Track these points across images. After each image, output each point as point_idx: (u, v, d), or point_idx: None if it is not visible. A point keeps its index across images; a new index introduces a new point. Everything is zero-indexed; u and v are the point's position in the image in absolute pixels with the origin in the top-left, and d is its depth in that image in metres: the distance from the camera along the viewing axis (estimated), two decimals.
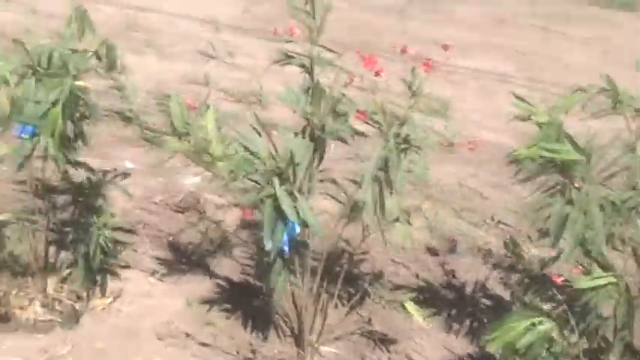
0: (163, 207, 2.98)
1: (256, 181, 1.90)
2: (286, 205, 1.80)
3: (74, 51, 2.07)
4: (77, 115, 2.04)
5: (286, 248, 2.03)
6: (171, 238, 2.81)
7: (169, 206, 2.99)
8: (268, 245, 1.84)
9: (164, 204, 2.99)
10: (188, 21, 5.26)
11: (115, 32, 4.93)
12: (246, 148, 1.85)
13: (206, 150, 1.96)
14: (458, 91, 4.70)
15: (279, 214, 1.83)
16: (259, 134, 1.87)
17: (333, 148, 2.31)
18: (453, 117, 4.13)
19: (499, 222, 3.07)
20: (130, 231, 2.81)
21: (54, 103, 1.89)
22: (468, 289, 2.66)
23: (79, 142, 2.13)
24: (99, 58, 2.42)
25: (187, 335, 2.36)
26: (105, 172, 3.11)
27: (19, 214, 2.36)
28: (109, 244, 2.38)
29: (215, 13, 5.26)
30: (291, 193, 1.84)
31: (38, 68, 1.91)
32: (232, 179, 1.88)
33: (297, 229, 1.95)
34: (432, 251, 2.88)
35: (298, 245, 2.06)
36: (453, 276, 2.73)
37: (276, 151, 1.91)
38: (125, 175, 3.07)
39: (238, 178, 1.88)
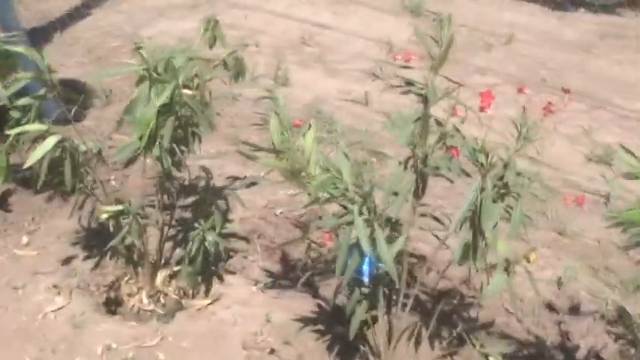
0: (283, 220, 3.00)
1: (344, 206, 1.86)
2: (361, 235, 1.73)
3: (191, 59, 2.13)
4: (181, 121, 2.09)
5: (366, 279, 1.95)
6: (282, 252, 2.82)
7: (289, 220, 3.00)
8: (338, 273, 1.77)
9: (284, 217, 3.01)
10: (362, 40, 5.30)
11: (289, 45, 5.10)
12: (330, 170, 1.80)
13: (301, 170, 1.94)
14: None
15: (356, 243, 1.76)
16: (346, 157, 1.81)
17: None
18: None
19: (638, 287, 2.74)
20: (244, 238, 2.88)
21: (160, 107, 1.96)
22: (579, 355, 2.41)
23: (186, 147, 2.18)
24: (227, 68, 2.50)
25: (272, 351, 2.35)
26: (235, 179, 3.21)
27: (139, 207, 2.48)
28: (212, 248, 2.44)
29: (391, 35, 5.24)
30: (370, 224, 1.76)
31: (152, 73, 1.99)
32: (316, 200, 1.84)
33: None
34: (552, 308, 2.64)
35: (383, 278, 1.97)
36: (568, 338, 2.48)
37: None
38: (252, 183, 3.14)
39: (322, 200, 1.83)
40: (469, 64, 4.81)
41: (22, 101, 2.07)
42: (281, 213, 3.03)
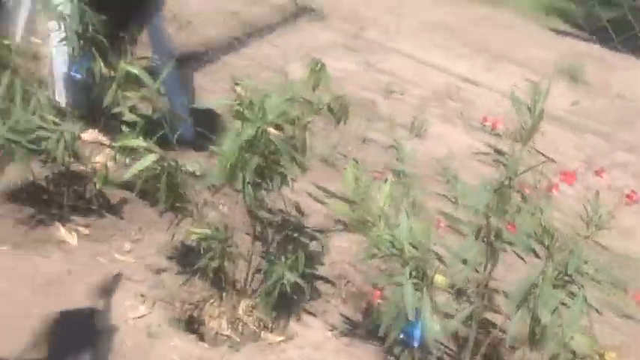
0: (374, 269, 2.97)
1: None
2: (407, 299, 1.68)
3: (289, 99, 2.19)
4: (267, 159, 2.15)
5: (415, 344, 1.89)
6: (367, 301, 2.79)
7: (378, 269, 2.97)
8: (381, 332, 1.73)
9: (376, 266, 2.99)
10: (509, 102, 5.18)
11: (433, 97, 5.08)
12: (391, 228, 1.78)
13: (368, 222, 1.93)
14: None
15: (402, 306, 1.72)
16: (407, 215, 1.77)
17: None
18: None
19: None
20: (330, 282, 2.88)
21: (245, 143, 2.03)
22: None
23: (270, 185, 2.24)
24: (331, 112, 2.54)
25: None
26: (337, 221, 3.23)
27: (231, 234, 2.56)
28: (289, 287, 2.47)
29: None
30: (419, 289, 1.71)
31: (244, 110, 2.07)
32: (372, 255, 1.82)
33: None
34: None
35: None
36: None
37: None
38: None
39: (379, 256, 1.81)
40: (617, 139, 4.55)
41: (128, 117, 2.23)
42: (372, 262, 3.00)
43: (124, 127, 2.31)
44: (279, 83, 2.34)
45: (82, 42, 2.30)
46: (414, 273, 1.72)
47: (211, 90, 4.56)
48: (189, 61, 4.93)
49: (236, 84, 2.17)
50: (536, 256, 1.80)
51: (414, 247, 1.74)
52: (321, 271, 2.85)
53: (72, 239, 2.82)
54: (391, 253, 1.75)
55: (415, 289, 1.70)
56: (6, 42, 2.42)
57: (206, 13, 6.17)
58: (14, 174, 2.76)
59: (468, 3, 7.87)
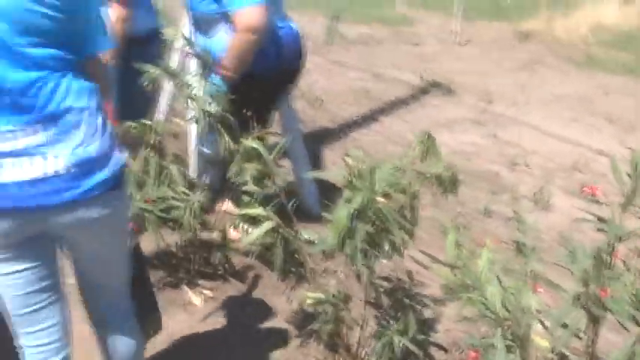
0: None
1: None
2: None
3: (397, 169, 2.32)
4: (377, 228, 2.27)
5: None
6: None
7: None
8: None
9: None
10: None
11: (559, 169, 5.03)
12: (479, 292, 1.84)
13: (469, 287, 2.00)
14: None
15: None
16: (499, 279, 1.83)
17: None
18: None
19: None
20: (443, 349, 2.92)
21: (354, 212, 2.18)
22: None
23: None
24: (440, 182, 2.64)
25: None
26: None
27: (345, 299, 2.69)
28: (398, 351, 2.54)
29: None
30: (513, 351, 1.76)
31: (354, 180, 2.23)
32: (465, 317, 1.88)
33: None
34: None
35: None
36: None
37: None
38: None
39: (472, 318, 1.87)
40: None
41: (249, 188, 2.45)
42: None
43: (245, 197, 2.53)
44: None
45: (210, 120, 2.57)
46: (507, 335, 1.76)
47: (337, 163, 4.79)
48: (319, 138, 5.21)
49: (347, 155, 2.33)
50: (638, 324, 1.79)
51: (507, 309, 1.79)
52: (435, 337, 2.89)
53: (198, 301, 3.07)
54: (484, 315, 1.80)
55: (508, 351, 1.74)
56: (147, 122, 2.74)
57: (335, 90, 6.51)
58: (146, 240, 3.06)
59: (598, 73, 7.76)
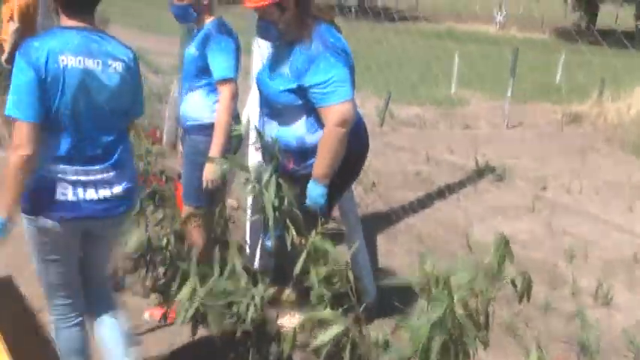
0: None
1: None
2: None
3: (474, 278, 2.29)
4: (452, 337, 2.23)
5: None
6: None
7: None
8: None
9: None
10: None
11: (620, 262, 4.91)
12: None
13: None
14: None
15: None
16: None
17: None
18: None
19: None
20: None
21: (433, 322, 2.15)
22: None
23: None
24: (515, 287, 2.59)
25: None
26: None
27: None
28: None
29: None
30: None
31: (431, 289, 2.21)
32: None
33: None
34: None
35: None
36: None
37: None
38: None
39: None
40: None
41: (317, 291, 2.45)
42: None
43: (312, 298, 2.53)
44: (464, 257, 2.45)
45: (276, 214, 2.60)
46: None
47: (395, 253, 4.76)
48: (374, 223, 5.20)
49: (421, 255, 2.31)
50: None
51: None
52: None
53: None
54: None
55: None
56: (211, 211, 2.79)
57: (389, 174, 6.53)
58: (207, 332, 3.04)
59: None
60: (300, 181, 2.94)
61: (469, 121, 9.91)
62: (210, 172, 3.13)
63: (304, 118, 2.96)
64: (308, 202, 2.95)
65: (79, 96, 2.33)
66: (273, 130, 3.04)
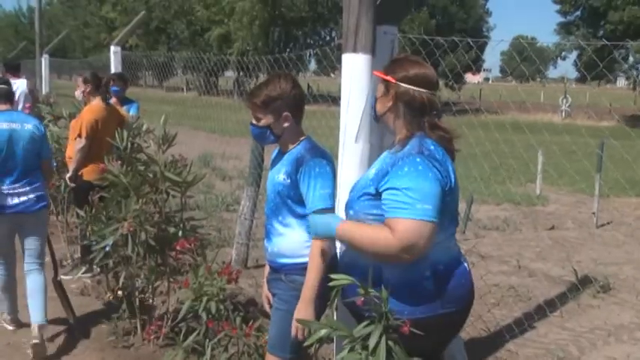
0: None
1: None
2: None
3: None
4: None
5: None
6: None
7: None
8: None
9: None
10: None
11: None
12: None
13: None
14: None
15: None
16: None
17: None
18: None
19: None
20: None
21: None
22: None
23: None
24: None
25: None
26: None
27: None
28: None
29: None
30: None
31: None
32: None
33: None
34: None
35: None
36: None
37: None
38: None
39: None
40: None
41: None
42: None
43: None
44: None
45: None
46: None
47: None
48: (470, 345, 4.54)
49: None
50: None
51: None
52: None
53: None
54: None
55: None
56: None
57: (478, 288, 5.83)
58: None
59: None
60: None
61: (554, 221, 9.21)
62: (302, 318, 2.59)
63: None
64: None
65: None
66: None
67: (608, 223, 9.15)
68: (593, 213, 9.04)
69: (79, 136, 5.51)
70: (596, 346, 4.88)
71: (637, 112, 26.38)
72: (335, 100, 4.07)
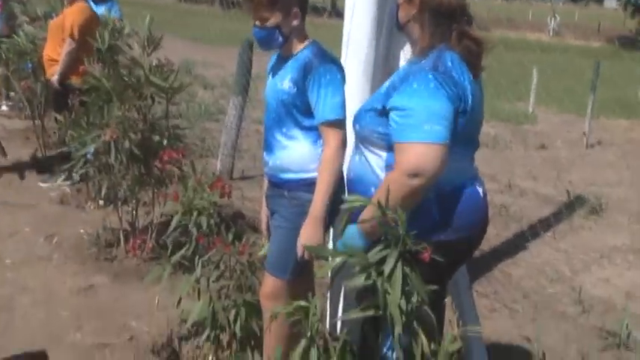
0: None
1: None
2: None
3: None
4: None
5: None
6: None
7: None
8: None
9: None
10: None
11: None
12: None
13: None
14: None
15: None
16: None
17: None
18: None
19: None
20: None
21: None
22: None
23: None
24: None
25: None
26: None
27: None
28: None
29: None
30: None
31: None
32: None
33: None
34: None
35: None
36: None
37: None
38: None
39: None
40: None
41: None
42: None
43: None
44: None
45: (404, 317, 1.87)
46: None
47: (499, 312, 4.00)
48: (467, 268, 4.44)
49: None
50: None
51: None
52: None
53: None
54: None
55: None
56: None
57: None
58: None
59: None
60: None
61: (543, 140, 9.07)
62: (310, 238, 2.38)
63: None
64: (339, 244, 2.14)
65: None
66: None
67: (598, 144, 9.04)
68: (584, 133, 8.91)
69: (71, 37, 5.16)
70: (589, 268, 4.81)
71: (627, 34, 26.08)
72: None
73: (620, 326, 3.73)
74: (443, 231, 2.18)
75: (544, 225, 5.50)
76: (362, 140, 2.27)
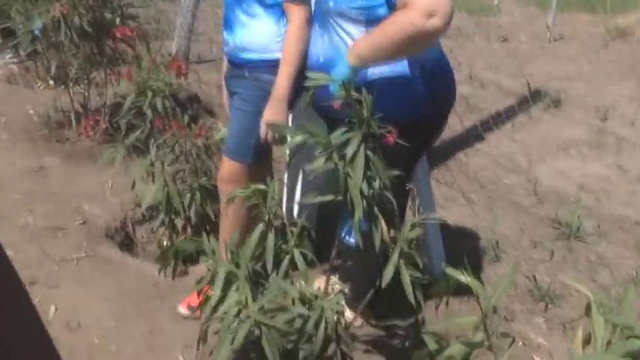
0: None
1: None
2: None
3: None
4: None
5: None
6: None
7: None
8: None
9: None
10: None
11: None
12: None
13: None
14: None
15: None
16: None
17: None
18: None
19: None
20: None
21: None
22: None
23: None
24: None
25: None
26: None
27: None
28: None
29: None
30: None
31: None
32: None
33: None
34: None
35: None
36: None
37: None
38: None
39: None
40: None
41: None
42: None
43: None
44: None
45: (365, 202, 1.84)
46: None
47: (455, 200, 4.04)
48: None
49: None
50: None
51: None
52: None
53: None
54: None
55: None
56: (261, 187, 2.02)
57: None
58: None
59: None
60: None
61: (506, 32, 8.96)
62: (273, 120, 2.29)
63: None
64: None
65: None
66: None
67: (560, 38, 8.97)
68: (547, 27, 8.81)
69: None
70: (544, 160, 4.85)
71: None
72: None
73: (572, 217, 3.80)
74: (426, 107, 2.21)
75: (503, 117, 5.50)
76: (336, 17, 2.15)
